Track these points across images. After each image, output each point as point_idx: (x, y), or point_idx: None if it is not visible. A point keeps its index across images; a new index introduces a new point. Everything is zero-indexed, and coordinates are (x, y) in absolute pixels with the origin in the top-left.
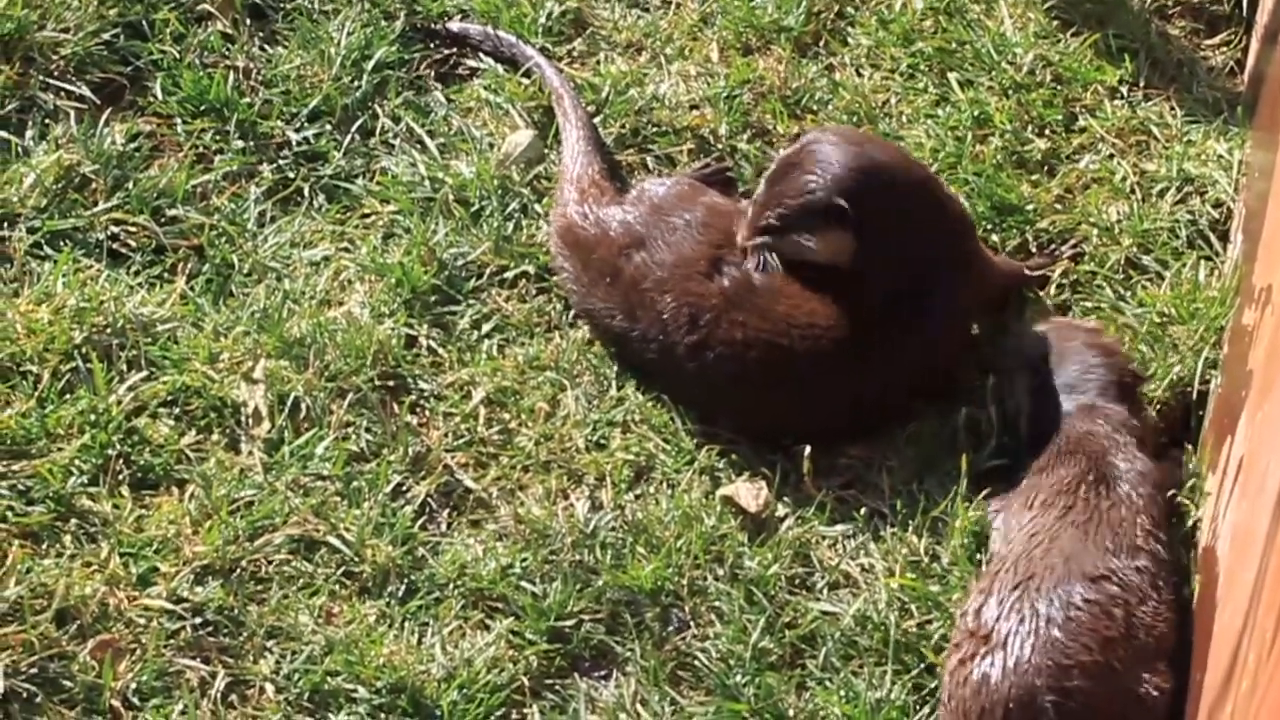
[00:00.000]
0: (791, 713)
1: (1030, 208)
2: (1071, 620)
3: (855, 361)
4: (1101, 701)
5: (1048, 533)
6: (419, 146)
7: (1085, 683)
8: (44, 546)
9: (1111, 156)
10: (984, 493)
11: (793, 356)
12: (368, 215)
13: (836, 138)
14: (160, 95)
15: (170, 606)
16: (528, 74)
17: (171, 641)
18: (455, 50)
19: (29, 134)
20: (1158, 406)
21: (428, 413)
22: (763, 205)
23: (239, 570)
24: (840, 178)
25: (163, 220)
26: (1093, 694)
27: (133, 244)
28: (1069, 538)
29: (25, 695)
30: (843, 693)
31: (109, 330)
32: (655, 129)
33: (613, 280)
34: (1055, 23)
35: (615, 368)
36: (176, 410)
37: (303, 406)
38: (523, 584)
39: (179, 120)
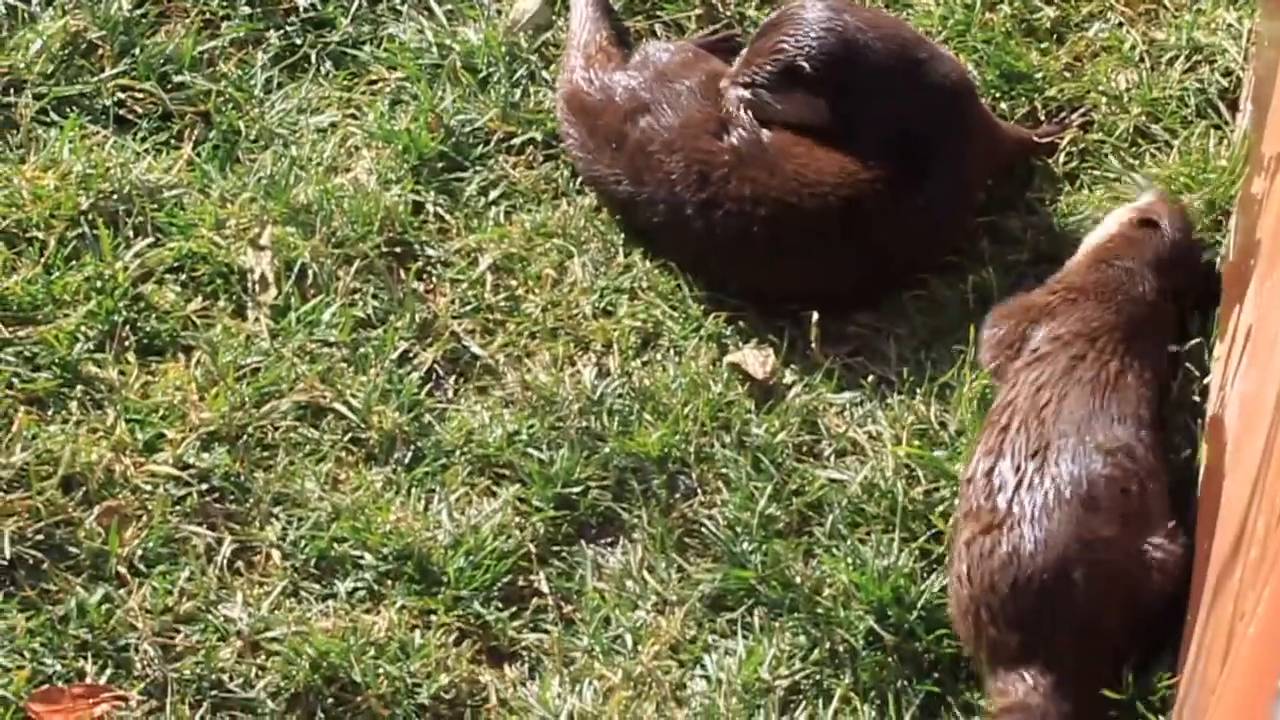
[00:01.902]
0: (798, 579)
1: (1039, 76)
2: (1094, 497)
3: (862, 223)
4: (1125, 570)
5: (1054, 389)
6: (426, 13)
7: (1110, 555)
8: (50, 413)
9: (1121, 25)
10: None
11: (801, 215)
12: (375, 82)
13: (818, 4)
14: None
15: (176, 473)
16: None
17: (177, 508)
18: None
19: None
20: None
21: (434, 279)
22: (742, 61)
23: (245, 436)
24: (810, 41)
25: (169, 86)
26: (1117, 565)
27: (139, 110)
28: (1077, 400)
29: (31, 561)
30: (850, 559)
31: (115, 196)
32: None
33: (618, 146)
34: None
35: (622, 234)
36: (183, 277)
37: (309, 273)
38: (529, 451)
39: None
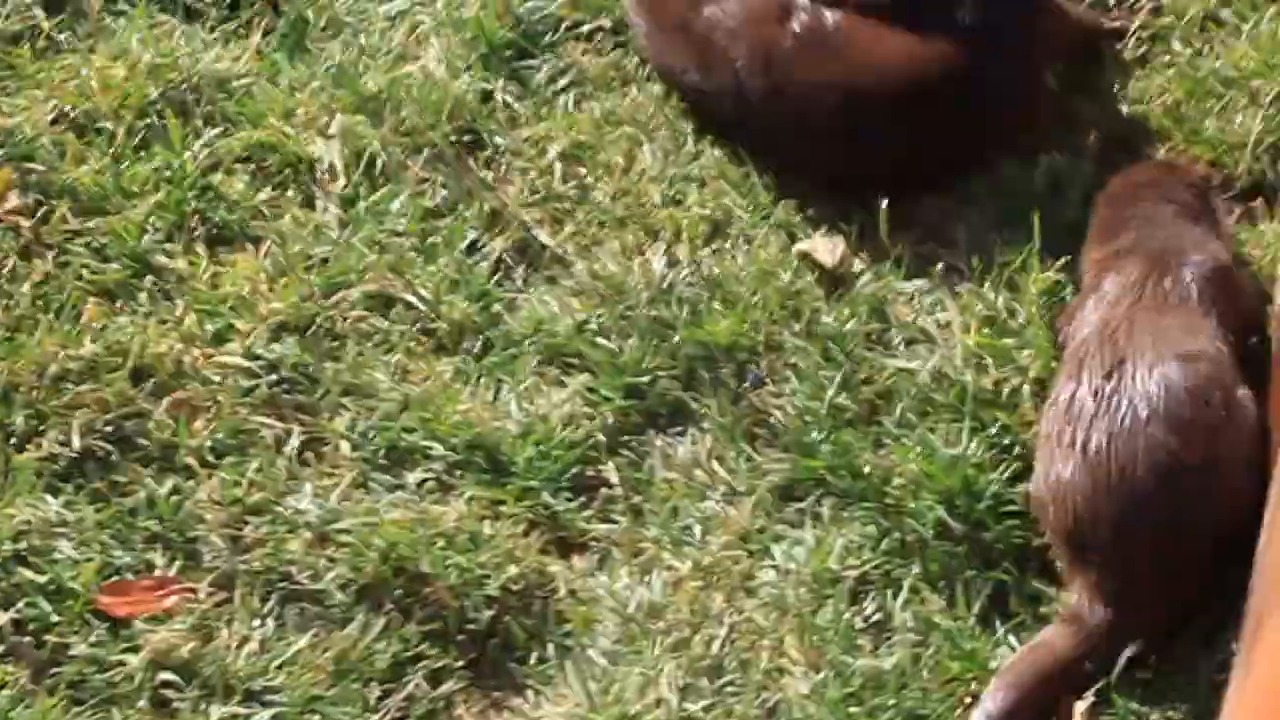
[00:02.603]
0: (868, 469)
1: None
2: (1174, 411)
3: (930, 106)
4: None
5: (1125, 316)
6: None
7: (1195, 463)
8: (119, 304)
9: None
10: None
11: (868, 99)
12: None
13: None
14: None
15: (246, 363)
16: None
17: (247, 399)
18: None
19: None
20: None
21: (504, 168)
22: None
23: (314, 327)
24: None
25: None
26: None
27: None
28: (1146, 318)
29: (100, 454)
30: (919, 448)
31: (184, 86)
32: None
33: (685, 33)
34: None
35: (691, 122)
36: (252, 166)
37: (378, 163)
38: (598, 340)
39: None
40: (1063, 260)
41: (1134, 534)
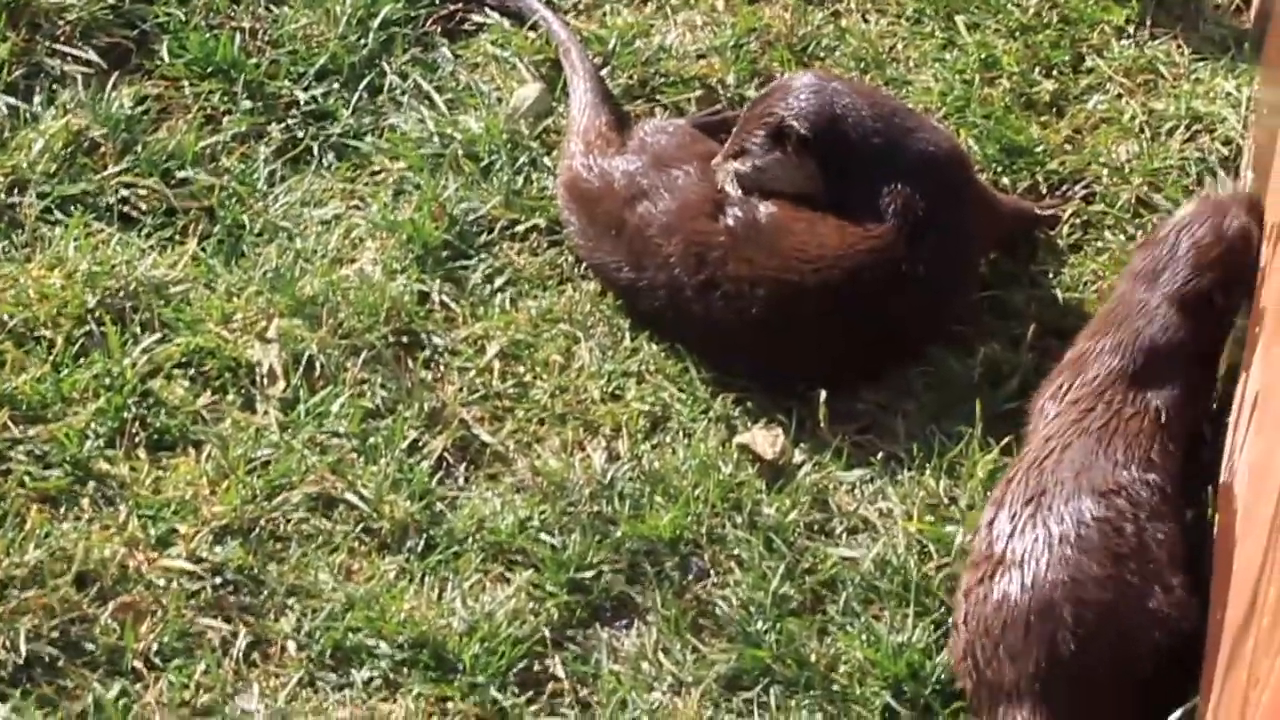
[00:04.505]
0: (814, 658)
1: (1040, 149)
2: (1083, 537)
3: (865, 297)
4: (1117, 613)
5: (1060, 439)
6: (427, 103)
7: (1100, 594)
8: (62, 510)
9: (1120, 96)
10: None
11: (802, 292)
12: (377, 172)
13: (807, 75)
14: (167, 58)
15: (190, 567)
16: (534, 27)
17: (192, 602)
18: (461, 5)
19: (37, 99)
20: None
21: (442, 368)
22: (733, 134)
23: (258, 529)
24: (801, 105)
25: (173, 182)
26: (1108, 606)
27: (143, 207)
28: (1079, 448)
29: (47, 659)
30: (864, 637)
31: (122, 293)
32: (663, 79)
33: (618, 232)
34: None
35: (628, 319)
36: (191, 371)
37: (317, 365)
38: (542, 536)
39: (186, 82)
40: (1002, 445)
41: (1044, 652)
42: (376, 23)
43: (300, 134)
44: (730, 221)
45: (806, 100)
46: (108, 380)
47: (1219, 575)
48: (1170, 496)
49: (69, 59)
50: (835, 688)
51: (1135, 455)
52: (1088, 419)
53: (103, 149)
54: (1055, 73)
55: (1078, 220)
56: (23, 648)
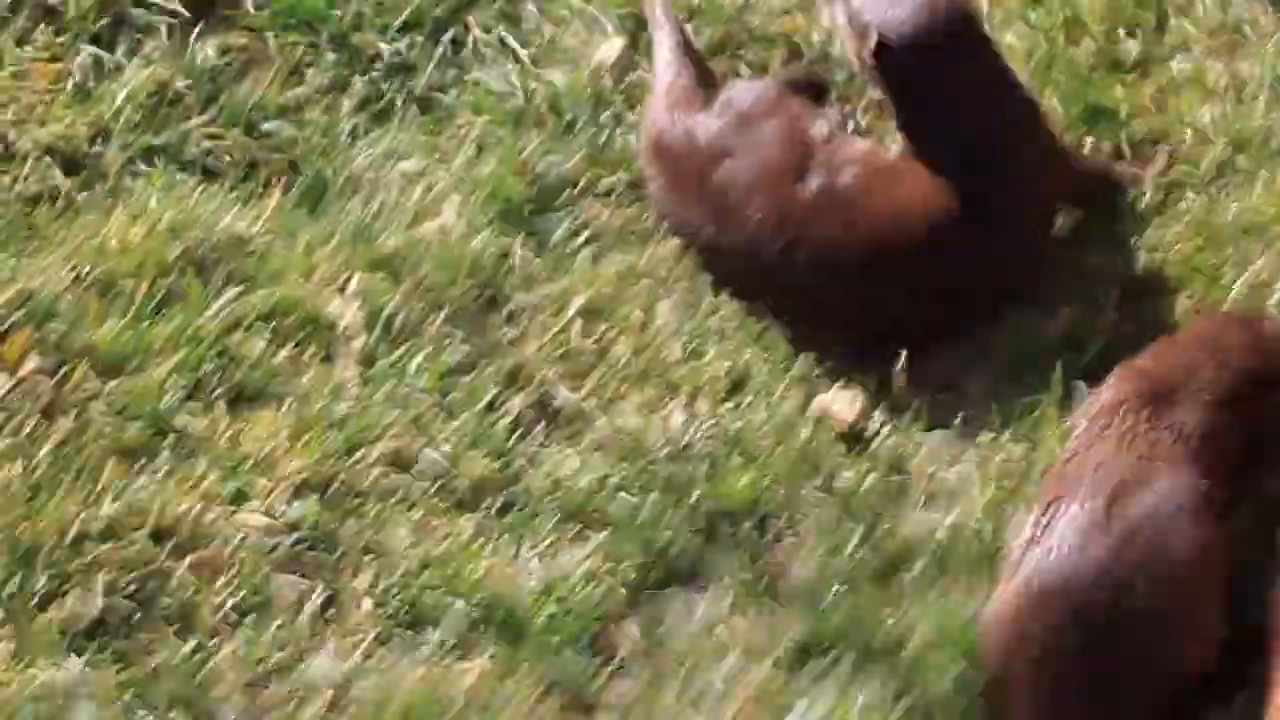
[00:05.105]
0: (886, 628)
1: (1124, 110)
2: (1086, 551)
3: (943, 255)
4: (1134, 618)
5: (1084, 446)
6: (511, 57)
7: (1113, 597)
8: (140, 464)
9: (1204, 58)
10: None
11: (883, 253)
12: (460, 127)
13: None
14: (251, 9)
15: (267, 522)
16: None
17: (269, 558)
18: None
19: (120, 50)
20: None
21: (522, 325)
22: None
23: (335, 485)
24: (897, 13)
25: (256, 135)
26: (1125, 610)
27: (226, 159)
28: (1100, 449)
29: (123, 613)
30: (938, 607)
31: (203, 246)
32: (747, 35)
33: (701, 190)
34: None
35: (710, 277)
36: (272, 325)
37: (397, 321)
38: (619, 496)
39: (271, 34)
40: (1080, 410)
41: (1053, 671)
42: None
43: (384, 87)
44: (812, 186)
45: (910, 12)
46: (188, 333)
47: None
48: (1196, 501)
49: (154, 9)
50: (906, 658)
51: (1160, 453)
52: (1110, 430)
53: (186, 100)
54: (1140, 33)
55: (1160, 182)
56: (99, 602)
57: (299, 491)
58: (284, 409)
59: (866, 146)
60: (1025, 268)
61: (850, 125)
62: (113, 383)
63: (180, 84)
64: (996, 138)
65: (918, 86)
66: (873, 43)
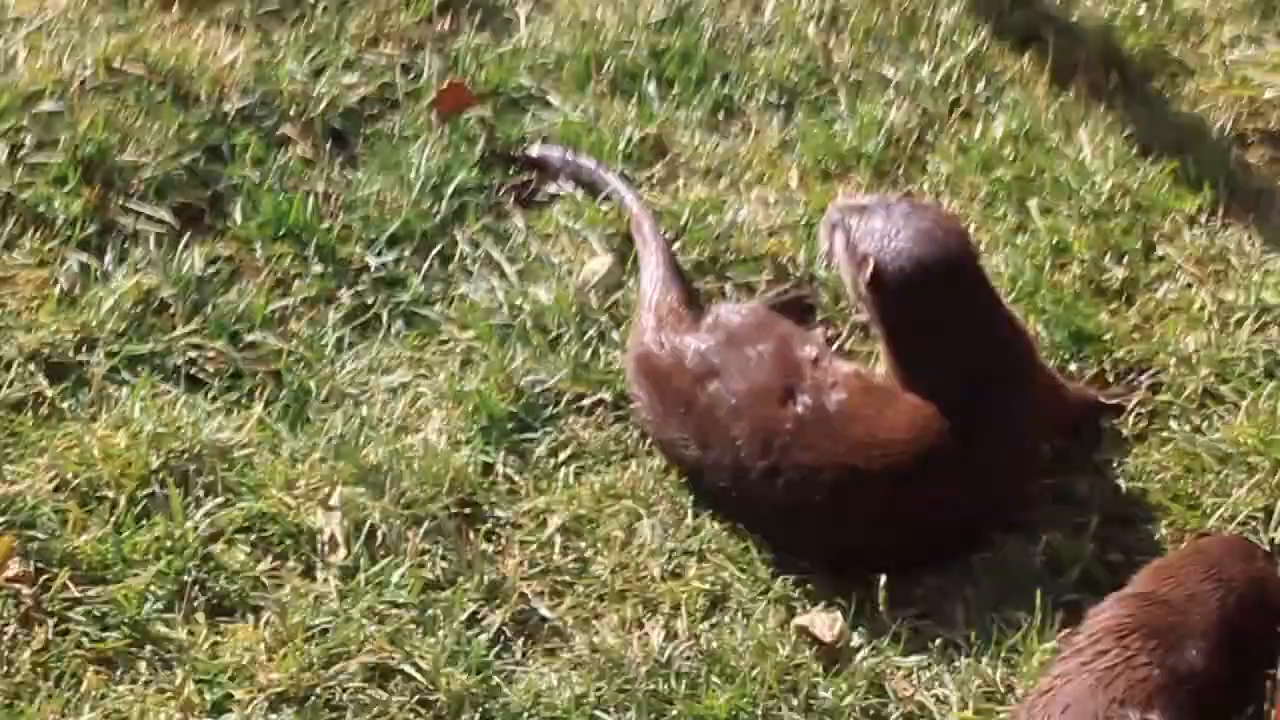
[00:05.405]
0: None
1: (1108, 336)
2: None
3: (929, 483)
4: None
5: (1063, 678)
6: (498, 272)
7: None
8: (119, 672)
9: (1190, 285)
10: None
11: (866, 479)
12: (446, 341)
13: (936, 224)
14: (239, 219)
15: None
16: (607, 200)
17: None
18: (535, 176)
19: (108, 257)
20: None
21: (503, 540)
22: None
23: (313, 698)
24: (899, 246)
25: (240, 345)
26: None
27: (210, 369)
28: (1078, 683)
29: None
30: None
31: (186, 456)
32: (734, 256)
33: (687, 409)
34: (1134, 150)
35: (691, 496)
36: (253, 536)
37: (379, 534)
38: (597, 714)
39: (258, 244)
40: (1061, 636)
41: None
42: (450, 190)
43: (370, 300)
44: (799, 408)
45: (906, 248)
46: (169, 543)
47: None
48: None
49: (142, 217)
50: None
51: (1136, 695)
52: (1096, 661)
53: (172, 309)
54: (1126, 259)
55: (1143, 409)
56: None
57: (277, 703)
58: (264, 620)
59: (853, 369)
60: (1010, 501)
61: (837, 346)
62: (93, 590)
63: (167, 292)
64: (990, 377)
65: (913, 318)
66: (869, 273)
